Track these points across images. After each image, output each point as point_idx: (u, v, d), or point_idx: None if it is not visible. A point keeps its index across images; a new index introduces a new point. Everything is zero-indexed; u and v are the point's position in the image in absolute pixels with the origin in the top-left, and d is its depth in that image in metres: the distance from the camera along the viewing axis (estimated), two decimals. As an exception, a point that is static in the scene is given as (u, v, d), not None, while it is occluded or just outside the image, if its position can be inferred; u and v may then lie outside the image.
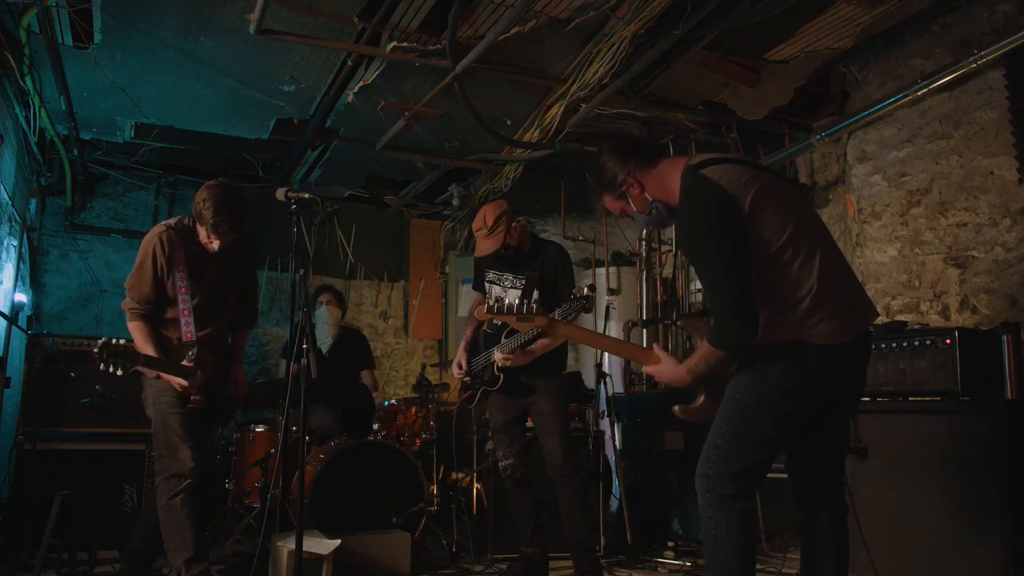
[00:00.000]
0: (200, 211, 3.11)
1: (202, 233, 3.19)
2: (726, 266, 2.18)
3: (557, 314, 3.22)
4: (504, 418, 3.75)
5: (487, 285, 3.84)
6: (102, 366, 2.87)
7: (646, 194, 2.41)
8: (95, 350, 2.87)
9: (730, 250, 2.18)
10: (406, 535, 3.93)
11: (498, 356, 3.58)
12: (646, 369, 2.51)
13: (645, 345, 5.95)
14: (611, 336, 2.69)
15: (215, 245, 3.18)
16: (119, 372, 2.90)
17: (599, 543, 4.30)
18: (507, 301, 3.69)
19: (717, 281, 2.22)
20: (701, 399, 2.52)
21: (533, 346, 3.52)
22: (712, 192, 2.22)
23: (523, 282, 3.69)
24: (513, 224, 3.65)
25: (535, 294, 3.62)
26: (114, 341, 2.90)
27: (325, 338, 5.17)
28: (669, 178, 2.37)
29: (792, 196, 2.38)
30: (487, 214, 3.63)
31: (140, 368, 3.08)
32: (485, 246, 3.62)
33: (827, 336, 2.22)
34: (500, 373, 3.63)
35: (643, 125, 2.49)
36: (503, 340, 3.59)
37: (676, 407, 2.55)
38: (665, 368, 2.44)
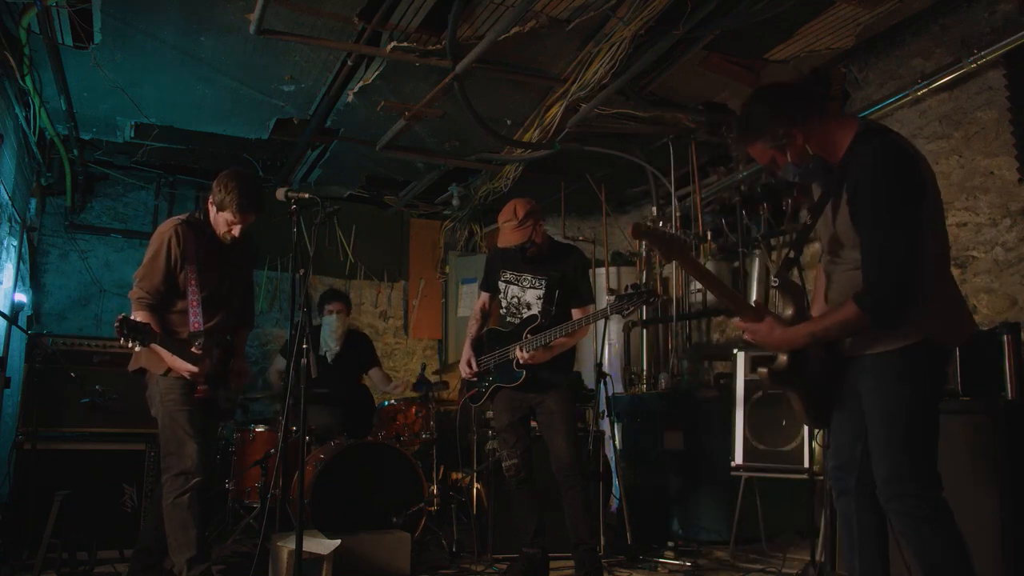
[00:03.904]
0: (222, 197, 3.18)
1: (220, 222, 3.25)
2: (907, 236, 2.10)
3: (611, 309, 3.41)
4: (510, 418, 3.75)
5: (503, 285, 3.85)
6: (122, 340, 2.90)
7: (807, 146, 2.29)
8: (115, 324, 2.90)
9: (916, 222, 2.12)
10: (406, 535, 3.93)
11: (522, 354, 3.60)
12: (739, 324, 2.31)
13: (646, 344, 5.93)
14: (717, 278, 2.48)
15: (235, 231, 3.25)
16: (138, 347, 2.96)
17: (599, 543, 4.29)
18: (524, 300, 3.76)
19: (893, 248, 2.11)
20: (784, 359, 2.27)
21: (552, 343, 3.56)
22: (918, 161, 2.20)
23: (543, 282, 3.73)
24: (539, 222, 3.70)
25: (556, 294, 3.68)
26: (133, 317, 2.95)
27: (334, 346, 5.15)
28: (837, 134, 2.28)
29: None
30: (518, 207, 3.67)
31: (155, 347, 3.10)
32: (512, 238, 3.65)
33: (948, 337, 2.22)
34: (522, 370, 3.64)
35: (821, 72, 2.42)
36: (527, 337, 3.61)
37: (762, 369, 2.30)
38: (770, 329, 2.24)
